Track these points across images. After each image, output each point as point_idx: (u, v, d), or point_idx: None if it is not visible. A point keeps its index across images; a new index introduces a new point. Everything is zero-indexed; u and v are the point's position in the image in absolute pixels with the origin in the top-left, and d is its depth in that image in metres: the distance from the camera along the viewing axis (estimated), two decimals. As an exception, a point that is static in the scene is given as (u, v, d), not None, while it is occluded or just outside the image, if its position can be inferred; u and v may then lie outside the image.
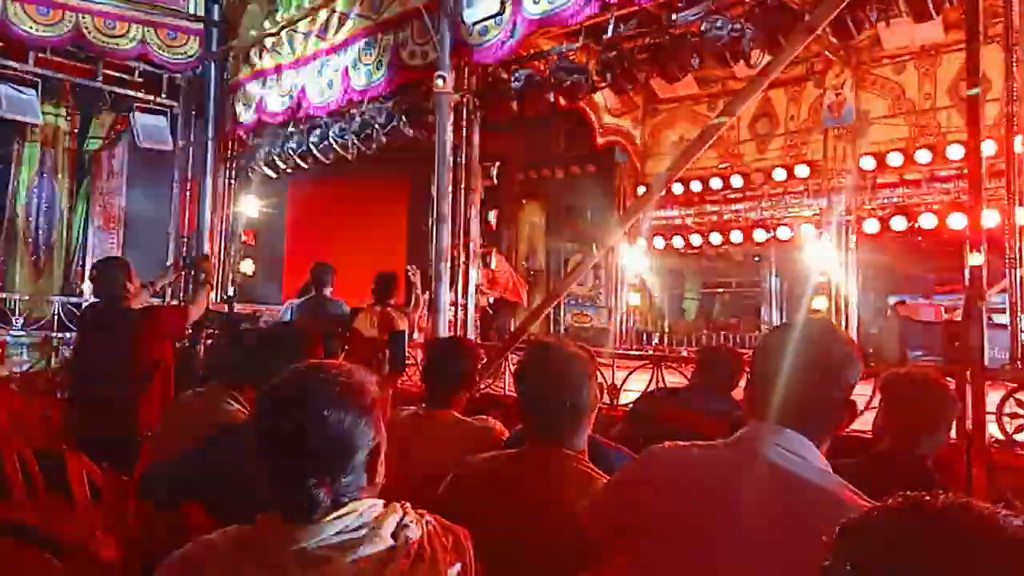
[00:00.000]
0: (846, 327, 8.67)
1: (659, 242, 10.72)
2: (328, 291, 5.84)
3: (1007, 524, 0.62)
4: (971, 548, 0.61)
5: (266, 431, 1.19)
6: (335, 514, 1.16)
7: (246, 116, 7.82)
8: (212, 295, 8.29)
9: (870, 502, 1.27)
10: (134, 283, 3.90)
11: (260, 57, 7.70)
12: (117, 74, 8.44)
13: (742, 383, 3.75)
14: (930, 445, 2.25)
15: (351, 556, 1.13)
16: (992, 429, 3.42)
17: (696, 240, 10.33)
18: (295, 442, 1.16)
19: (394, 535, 1.18)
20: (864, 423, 3.75)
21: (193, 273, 5.14)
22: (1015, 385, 3.41)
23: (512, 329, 6.78)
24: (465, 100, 5.74)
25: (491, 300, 8.92)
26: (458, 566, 1.24)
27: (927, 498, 0.67)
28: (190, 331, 7.08)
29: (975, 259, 3.63)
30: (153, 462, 2.79)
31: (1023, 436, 3.28)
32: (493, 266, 8.80)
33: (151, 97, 8.62)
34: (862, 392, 3.92)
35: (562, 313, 11.91)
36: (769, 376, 1.43)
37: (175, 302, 7.36)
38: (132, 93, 8.53)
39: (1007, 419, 3.42)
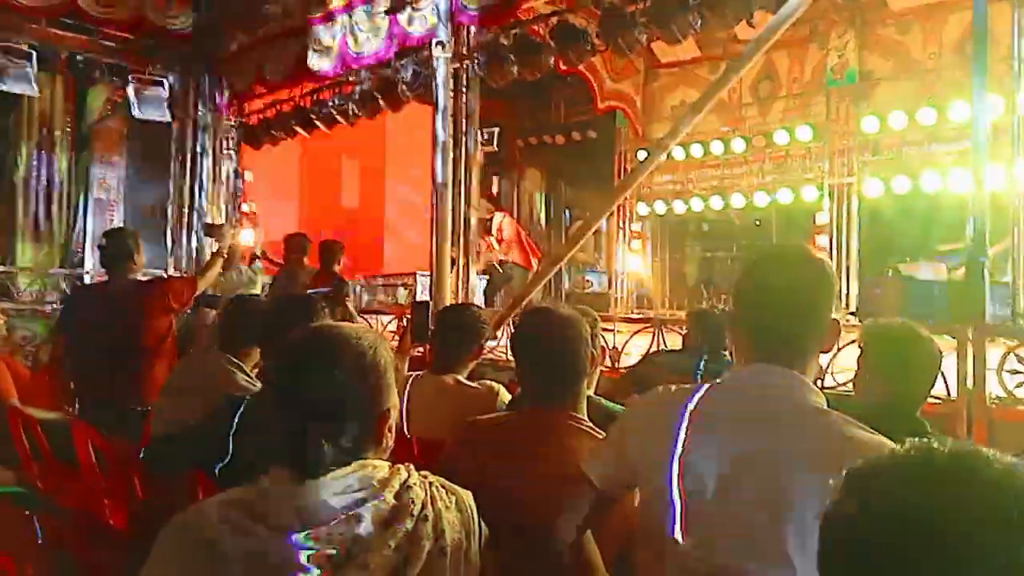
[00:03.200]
0: (847, 290, 8.68)
1: (660, 207, 10.68)
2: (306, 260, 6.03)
3: (1014, 473, 0.62)
4: (983, 494, 0.61)
5: (280, 388, 1.21)
6: (339, 472, 1.17)
7: (244, 85, 7.75)
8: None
9: (875, 437, 1.28)
10: (141, 254, 3.88)
11: (257, 25, 7.60)
12: (113, 45, 8.35)
13: None
14: (920, 397, 2.23)
15: (354, 515, 1.14)
16: (992, 386, 3.44)
17: (697, 205, 10.29)
18: (305, 399, 1.18)
19: (397, 496, 1.19)
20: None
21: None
22: (1016, 342, 3.42)
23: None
24: (464, 66, 5.68)
25: (499, 261, 8.93)
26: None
27: (938, 445, 0.67)
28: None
29: (977, 216, 3.62)
30: (157, 431, 2.82)
31: (1023, 392, 3.30)
32: (504, 229, 8.80)
33: (148, 68, 8.53)
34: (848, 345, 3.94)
35: (563, 278, 11.90)
36: (750, 315, 1.42)
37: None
38: (129, 65, 8.44)
39: (1007, 375, 3.44)
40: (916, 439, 0.70)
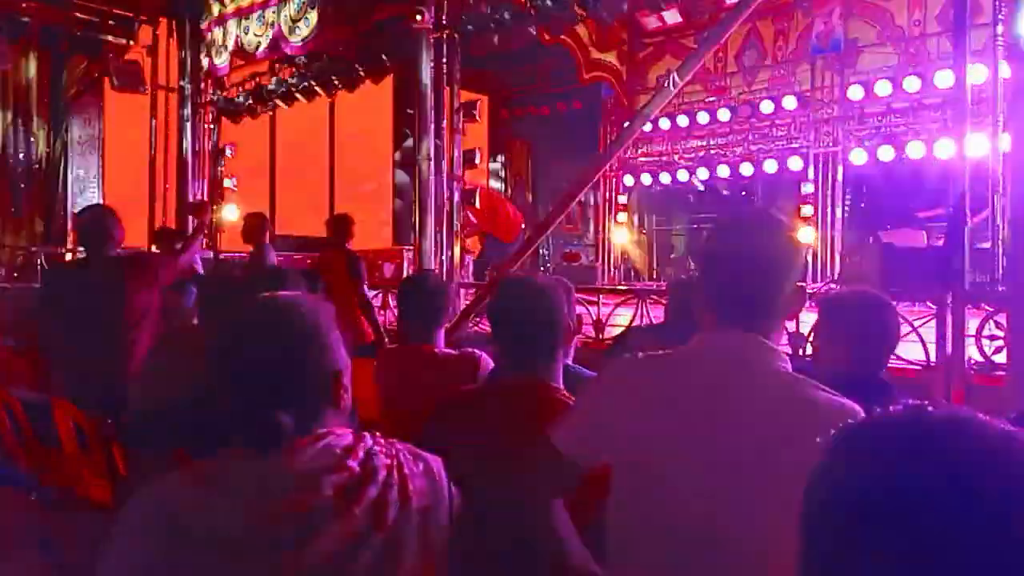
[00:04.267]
0: (831, 258, 8.72)
1: (646, 178, 10.66)
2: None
3: (1010, 436, 0.61)
4: (977, 455, 0.60)
5: (227, 364, 1.20)
6: (302, 441, 1.17)
7: (222, 57, 7.64)
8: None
9: (843, 400, 1.29)
10: (121, 231, 3.84)
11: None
12: (89, 18, 8.20)
13: None
14: (881, 361, 2.27)
15: (318, 485, 1.13)
16: (972, 351, 3.48)
17: (683, 175, 10.27)
18: (253, 372, 1.17)
19: (362, 463, 1.18)
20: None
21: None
22: (994, 308, 3.45)
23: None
24: (445, 36, 5.61)
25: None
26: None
27: (929, 407, 0.66)
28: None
29: (959, 184, 3.63)
30: (138, 408, 2.80)
31: (1001, 358, 3.33)
32: (478, 201, 8.71)
33: (124, 40, 8.39)
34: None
35: (549, 251, 11.90)
36: (714, 281, 1.42)
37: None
38: (105, 37, 8.30)
39: (986, 341, 3.47)
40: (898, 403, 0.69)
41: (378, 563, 1.16)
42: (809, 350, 3.93)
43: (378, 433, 1.27)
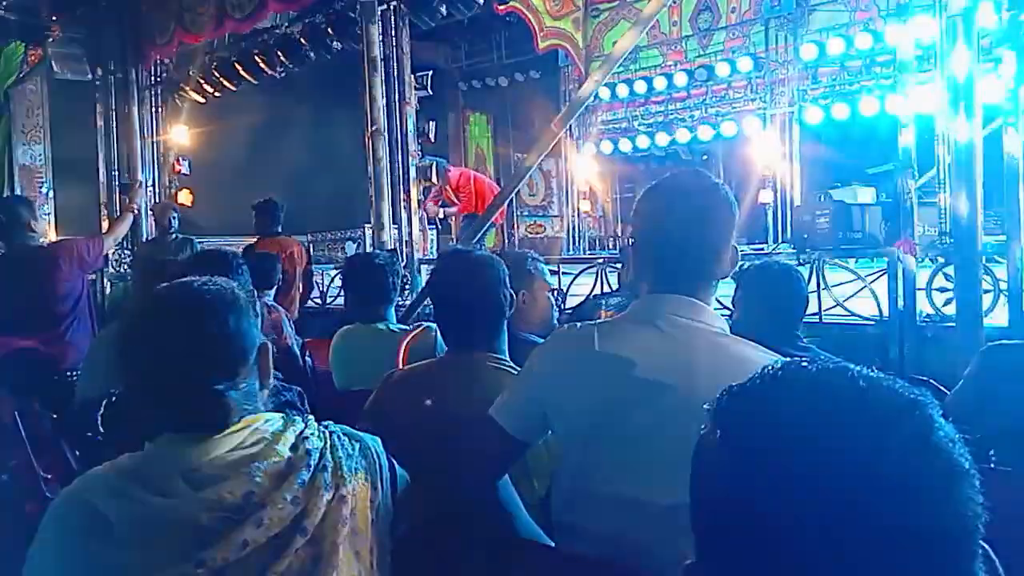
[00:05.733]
0: (787, 217, 8.80)
1: (606, 146, 10.63)
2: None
3: (879, 385, 0.59)
4: (845, 409, 0.58)
5: (139, 349, 1.16)
6: (229, 430, 1.14)
7: (164, 38, 7.41)
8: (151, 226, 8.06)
9: (773, 356, 1.29)
10: (38, 221, 3.78)
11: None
12: (25, 3, 7.90)
13: None
14: (795, 318, 2.47)
15: (247, 471, 1.11)
16: (922, 305, 3.53)
17: (643, 142, 10.26)
18: (192, 350, 1.13)
19: (293, 447, 1.16)
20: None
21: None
22: (943, 260, 3.50)
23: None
24: (392, 7, 5.49)
25: (450, 214, 8.77)
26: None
27: (805, 364, 0.64)
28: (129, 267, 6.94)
29: (906, 139, 3.66)
30: (80, 399, 2.74)
31: (951, 309, 3.38)
32: (462, 187, 8.62)
33: (64, 26, 8.10)
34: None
35: (515, 223, 11.87)
36: (650, 245, 1.41)
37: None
38: (42, 22, 8.00)
39: (936, 294, 3.52)
40: (788, 359, 0.68)
41: (313, 548, 1.14)
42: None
43: (311, 416, 1.25)
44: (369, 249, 5.07)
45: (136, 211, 4.32)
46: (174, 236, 5.77)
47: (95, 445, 2.43)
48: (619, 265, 4.77)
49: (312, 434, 1.19)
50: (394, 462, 1.33)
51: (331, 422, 1.27)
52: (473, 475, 1.53)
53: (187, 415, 1.13)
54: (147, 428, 1.17)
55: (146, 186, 7.41)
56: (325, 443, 1.20)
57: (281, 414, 1.21)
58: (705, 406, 0.71)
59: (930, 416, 0.56)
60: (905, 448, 0.53)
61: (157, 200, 7.55)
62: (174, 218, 5.76)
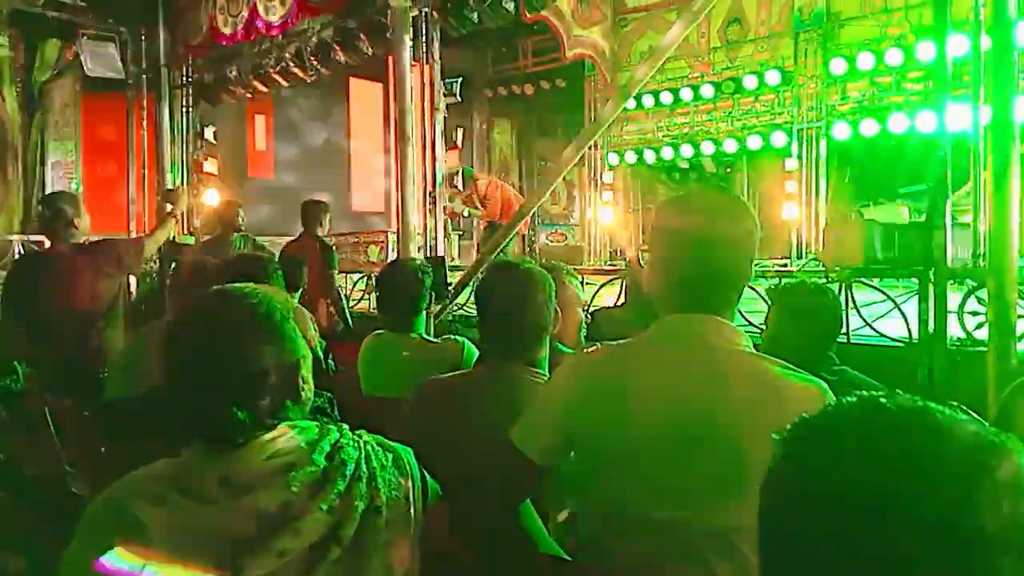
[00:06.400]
0: (816, 233, 8.72)
1: (631, 156, 10.60)
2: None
3: (962, 429, 0.58)
4: (927, 455, 0.57)
5: (180, 361, 1.16)
6: (265, 438, 1.14)
7: (198, 39, 7.49)
8: (179, 227, 8.14)
9: (809, 379, 1.28)
10: (82, 217, 3.78)
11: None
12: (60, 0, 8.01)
13: None
14: (829, 340, 2.43)
15: (283, 480, 1.11)
16: (953, 328, 3.47)
17: (668, 153, 10.23)
18: (208, 369, 1.13)
19: (328, 457, 1.16)
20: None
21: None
22: (976, 284, 3.44)
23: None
24: (423, 14, 5.51)
25: (477, 220, 8.83)
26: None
27: (883, 400, 0.63)
28: (157, 265, 7.00)
29: (939, 158, 3.60)
30: (115, 398, 2.76)
31: (982, 333, 3.32)
32: (490, 196, 8.70)
33: (98, 23, 8.21)
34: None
35: (536, 232, 11.85)
36: (672, 264, 1.38)
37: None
38: (78, 19, 8.12)
39: (968, 317, 3.46)
40: (860, 393, 0.66)
41: (348, 558, 1.14)
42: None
43: (345, 424, 1.25)
44: (400, 255, 5.08)
45: (178, 218, 4.31)
46: (243, 233, 5.85)
47: (124, 443, 2.46)
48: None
49: (347, 444, 1.19)
50: (426, 474, 1.33)
51: (365, 431, 1.27)
52: (496, 498, 1.52)
53: (211, 428, 1.14)
54: (179, 431, 1.18)
55: (177, 187, 7.45)
56: (360, 453, 1.20)
57: (316, 423, 1.21)
58: (774, 435, 0.70)
59: (1018, 462, 0.55)
60: (994, 495, 0.52)
61: (187, 198, 7.59)
62: (240, 216, 5.83)
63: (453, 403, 1.89)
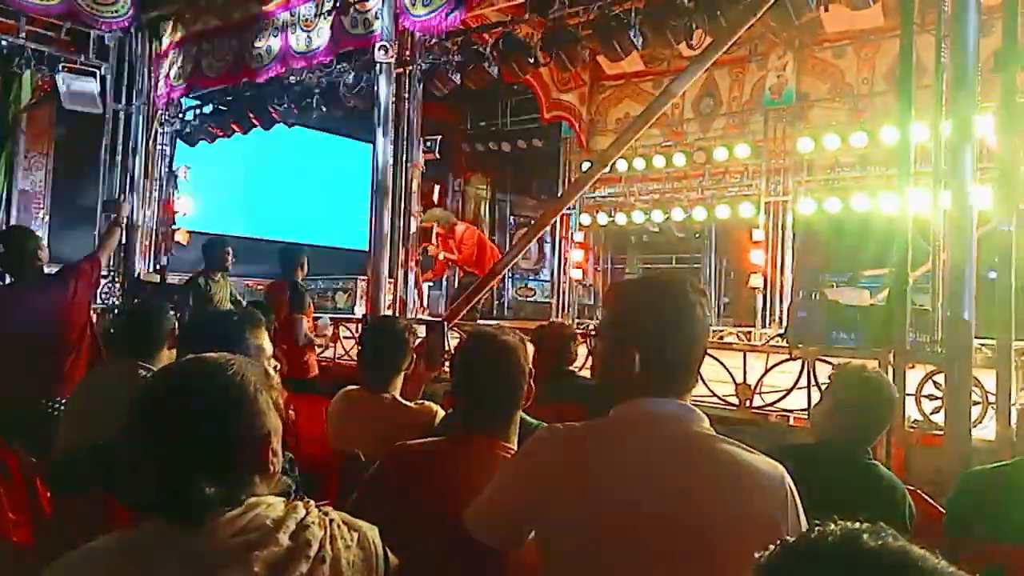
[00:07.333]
0: (781, 309, 8.90)
1: (602, 218, 10.77)
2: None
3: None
4: None
5: (147, 432, 1.14)
6: (230, 515, 1.12)
7: (180, 80, 7.53)
8: (145, 265, 8.04)
9: (769, 462, 1.32)
10: (43, 249, 3.80)
11: (196, 19, 7.40)
12: (42, 31, 8.01)
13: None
14: (872, 436, 2.42)
15: (245, 561, 1.09)
16: (911, 410, 3.55)
17: (638, 217, 10.41)
18: (175, 441, 1.11)
19: (293, 536, 1.14)
20: (788, 403, 3.86)
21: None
22: (934, 368, 3.53)
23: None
24: (407, 71, 5.62)
25: (449, 260, 8.88)
26: None
27: (864, 537, 0.64)
28: (120, 301, 6.89)
29: (900, 243, 3.73)
30: (65, 447, 2.69)
31: (940, 417, 3.40)
32: (465, 241, 8.76)
33: (78, 57, 8.21)
34: (789, 369, 4.02)
35: (506, 286, 11.91)
36: (641, 345, 1.38)
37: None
38: (58, 53, 8.11)
39: (926, 400, 3.54)
40: (838, 526, 0.67)
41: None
42: (757, 401, 3.99)
43: (311, 501, 1.23)
44: (368, 306, 5.06)
45: (123, 225, 4.44)
46: (227, 273, 5.72)
47: (73, 495, 2.38)
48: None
49: (313, 523, 1.18)
50: (388, 552, 1.32)
51: (331, 508, 1.25)
52: (477, 559, 1.50)
53: (176, 503, 1.11)
54: (141, 503, 1.15)
55: (146, 225, 7.39)
56: (325, 532, 1.18)
57: (283, 499, 1.20)
58: (757, 555, 0.71)
59: None
60: None
61: (155, 236, 7.55)
62: (229, 256, 5.68)
63: (417, 473, 1.86)
